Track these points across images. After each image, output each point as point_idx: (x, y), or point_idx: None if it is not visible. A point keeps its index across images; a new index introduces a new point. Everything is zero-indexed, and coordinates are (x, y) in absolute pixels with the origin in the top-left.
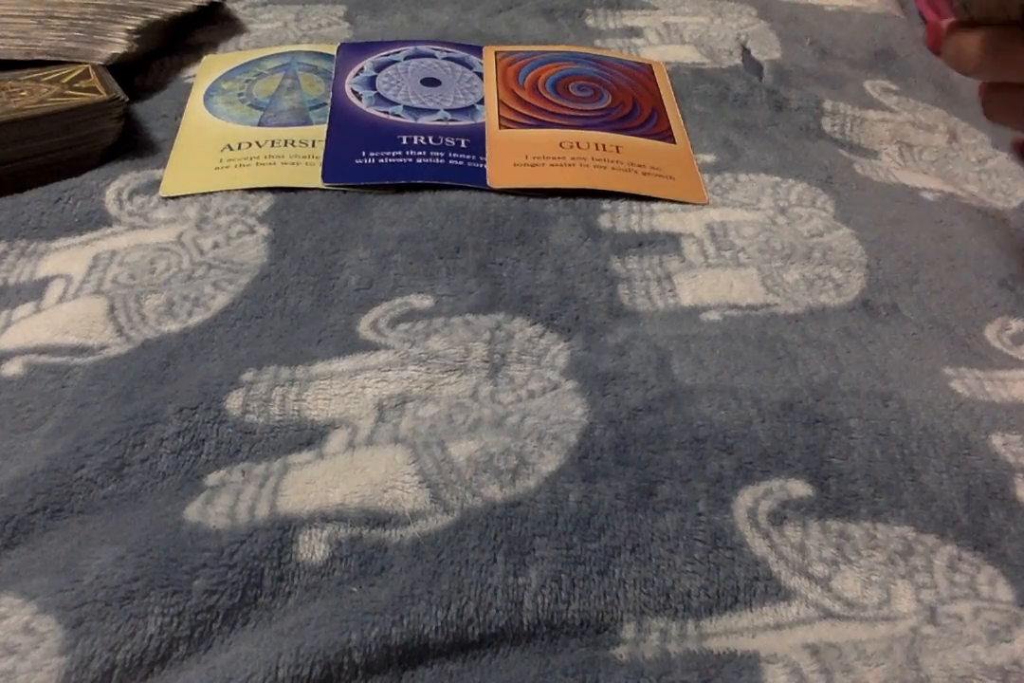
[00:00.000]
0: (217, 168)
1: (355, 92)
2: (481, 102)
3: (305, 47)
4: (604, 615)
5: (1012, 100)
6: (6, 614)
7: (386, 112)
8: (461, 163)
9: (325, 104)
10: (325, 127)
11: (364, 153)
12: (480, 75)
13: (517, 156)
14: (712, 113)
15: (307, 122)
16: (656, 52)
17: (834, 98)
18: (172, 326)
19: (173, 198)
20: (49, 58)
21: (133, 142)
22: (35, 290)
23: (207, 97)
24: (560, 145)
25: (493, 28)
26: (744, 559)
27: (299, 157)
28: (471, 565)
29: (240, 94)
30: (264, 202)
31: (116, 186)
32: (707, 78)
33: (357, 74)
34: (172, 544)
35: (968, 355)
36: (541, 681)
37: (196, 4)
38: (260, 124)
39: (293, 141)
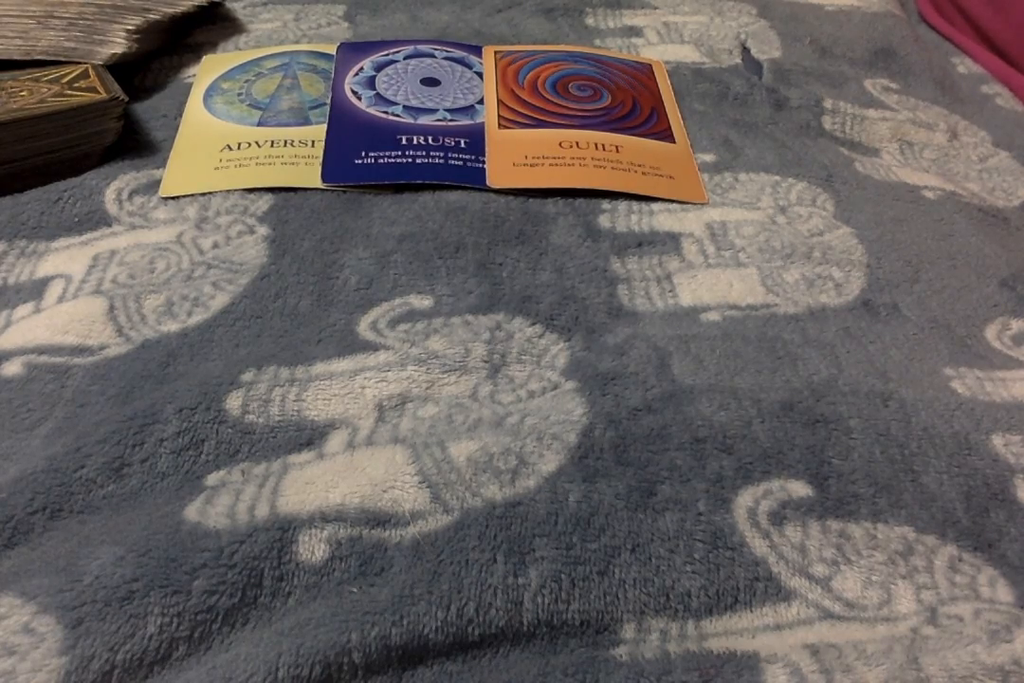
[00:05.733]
0: (217, 168)
1: (355, 92)
2: (481, 102)
3: (305, 47)
4: (604, 615)
5: None
6: (6, 614)
7: (386, 112)
8: (461, 163)
9: (324, 104)
10: (324, 127)
11: (364, 153)
12: (480, 75)
13: (517, 156)
14: (712, 112)
15: (306, 122)
16: (656, 51)
17: (834, 97)
18: (172, 326)
19: (173, 198)
20: (49, 58)
21: (133, 142)
22: (35, 290)
23: (207, 97)
24: (560, 145)
25: (493, 28)
26: (744, 559)
27: (299, 157)
28: (471, 565)
29: (240, 94)
30: (264, 202)
31: (116, 186)
32: (707, 77)
33: (357, 74)
34: (172, 544)
35: (968, 355)
36: (541, 681)
37: (196, 4)
38: (260, 124)
39: (292, 141)
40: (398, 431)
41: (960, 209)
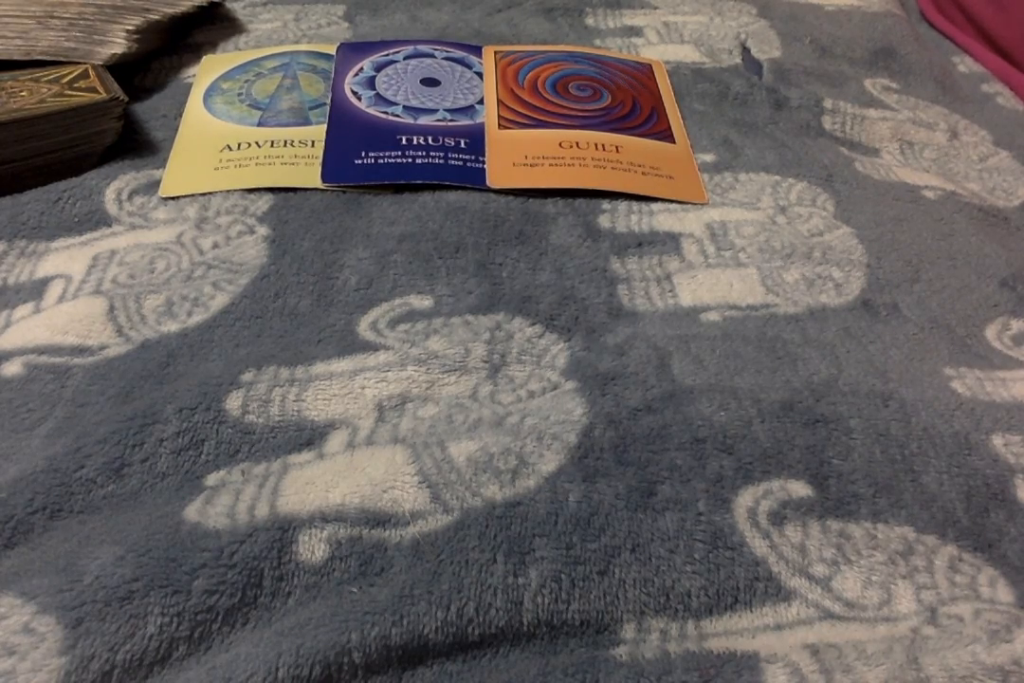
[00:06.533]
0: (216, 168)
1: (354, 92)
2: (481, 102)
3: (304, 47)
4: (604, 615)
5: None
6: (6, 614)
7: (385, 112)
8: (460, 163)
9: (324, 104)
10: (324, 127)
11: (363, 153)
12: (480, 75)
13: (516, 156)
14: (712, 112)
15: (306, 122)
16: (656, 51)
17: (834, 96)
18: (172, 326)
19: (173, 198)
20: (49, 58)
21: (133, 142)
22: (35, 290)
23: (207, 97)
24: (560, 145)
25: (493, 28)
26: (744, 559)
27: (298, 157)
28: (471, 565)
29: (240, 94)
30: (264, 202)
31: (116, 186)
32: (707, 77)
33: (356, 74)
34: (172, 544)
35: (968, 355)
36: (541, 681)
37: (196, 4)
38: (259, 124)
39: (292, 141)
40: (398, 431)
41: (960, 209)
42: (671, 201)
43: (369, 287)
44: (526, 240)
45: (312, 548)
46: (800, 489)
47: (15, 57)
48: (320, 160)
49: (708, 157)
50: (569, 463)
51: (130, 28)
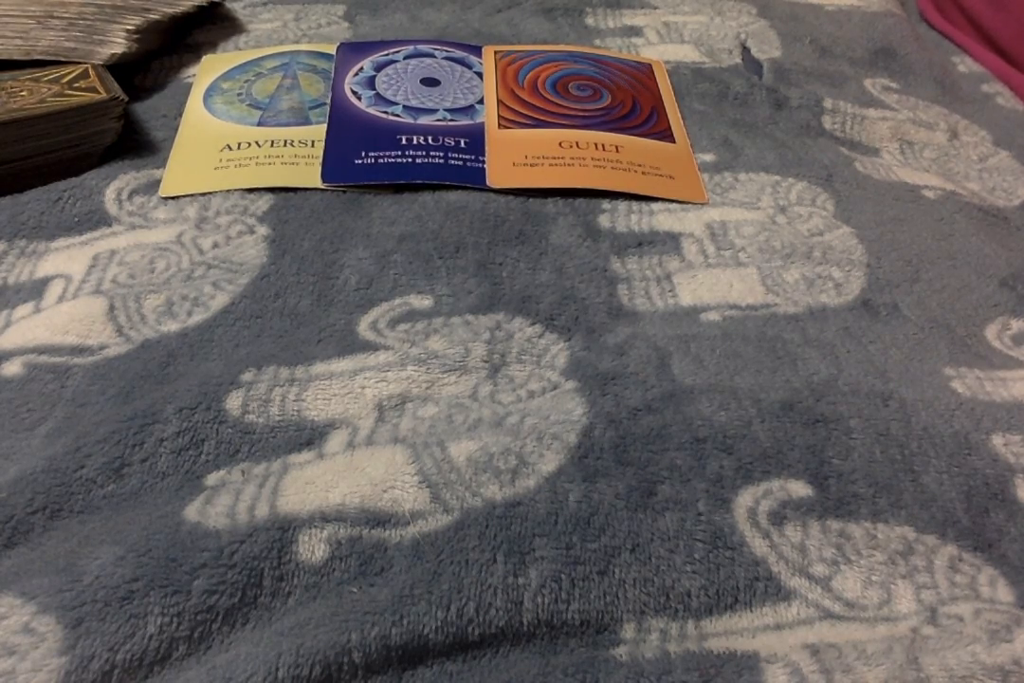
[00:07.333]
0: (216, 168)
1: (354, 92)
2: (481, 102)
3: (304, 47)
4: (604, 615)
5: None
6: (6, 614)
7: (385, 112)
8: (460, 163)
9: (324, 104)
10: (324, 127)
11: (363, 153)
12: (480, 75)
13: (516, 156)
14: (712, 112)
15: (306, 122)
16: (656, 51)
17: (834, 96)
18: (172, 326)
19: (173, 198)
20: (49, 58)
21: (133, 142)
22: (35, 290)
23: (207, 97)
24: (560, 145)
25: (493, 28)
26: (744, 559)
27: (298, 157)
28: (471, 565)
29: (239, 94)
30: (264, 202)
31: (116, 186)
32: (707, 77)
33: (356, 74)
34: (172, 544)
35: (968, 355)
36: (541, 681)
37: (196, 4)
38: (259, 124)
39: (292, 141)
40: (398, 431)
41: (960, 209)
42: (671, 201)
43: (369, 287)
44: (526, 240)
45: (312, 548)
46: (800, 489)
47: (15, 57)
48: (320, 160)
49: (708, 157)
50: (569, 463)
51: (130, 28)
